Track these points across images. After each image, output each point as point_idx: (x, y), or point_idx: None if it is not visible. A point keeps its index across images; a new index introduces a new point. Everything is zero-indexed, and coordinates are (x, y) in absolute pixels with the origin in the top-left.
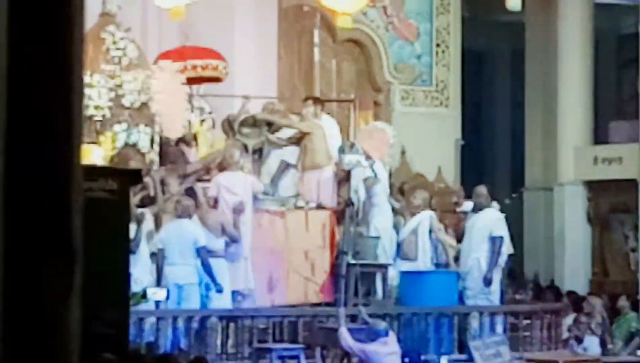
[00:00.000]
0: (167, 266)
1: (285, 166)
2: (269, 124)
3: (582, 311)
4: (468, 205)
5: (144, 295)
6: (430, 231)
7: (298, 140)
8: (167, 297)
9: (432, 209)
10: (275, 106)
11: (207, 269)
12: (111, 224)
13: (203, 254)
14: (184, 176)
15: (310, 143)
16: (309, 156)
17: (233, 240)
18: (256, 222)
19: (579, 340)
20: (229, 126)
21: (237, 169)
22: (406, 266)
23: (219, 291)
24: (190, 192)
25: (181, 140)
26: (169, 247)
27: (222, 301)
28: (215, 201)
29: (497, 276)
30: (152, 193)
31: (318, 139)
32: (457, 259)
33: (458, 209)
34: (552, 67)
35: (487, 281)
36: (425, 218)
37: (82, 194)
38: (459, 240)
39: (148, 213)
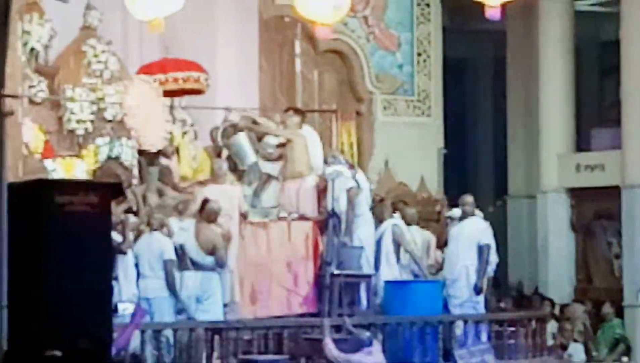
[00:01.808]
0: (140, 279)
1: (267, 178)
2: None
3: (565, 319)
4: (456, 211)
5: (114, 309)
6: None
7: (280, 156)
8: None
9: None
10: (254, 117)
11: (170, 283)
12: (92, 238)
13: (169, 267)
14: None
15: (292, 153)
16: (289, 166)
17: (220, 264)
18: (239, 234)
19: (564, 347)
20: (213, 139)
21: (224, 182)
22: None
23: (180, 309)
24: (207, 204)
25: (160, 152)
26: (140, 260)
27: (209, 314)
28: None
29: (484, 285)
30: (134, 208)
31: (299, 149)
32: (441, 267)
33: (446, 214)
34: (533, 75)
35: (478, 290)
36: (388, 227)
37: None
38: (441, 248)
39: (132, 218)
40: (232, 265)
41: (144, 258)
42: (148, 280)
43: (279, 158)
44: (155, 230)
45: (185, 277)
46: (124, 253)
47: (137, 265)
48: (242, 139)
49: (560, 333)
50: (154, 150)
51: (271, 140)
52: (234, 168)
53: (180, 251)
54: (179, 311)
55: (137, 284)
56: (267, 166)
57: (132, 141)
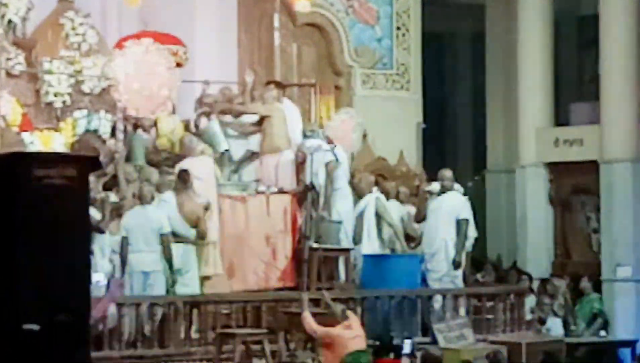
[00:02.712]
0: (132, 253)
1: (250, 155)
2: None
3: (545, 293)
4: (435, 186)
5: None
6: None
7: (258, 129)
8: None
9: (385, 193)
10: (232, 91)
11: (168, 256)
12: (70, 211)
13: (166, 241)
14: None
15: (270, 127)
16: (268, 140)
17: (201, 237)
18: (218, 208)
19: (542, 322)
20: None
21: (199, 154)
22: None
23: (174, 281)
24: (184, 174)
25: (139, 126)
26: (132, 234)
27: (188, 288)
28: None
29: (463, 259)
30: (122, 186)
31: (278, 123)
32: (419, 242)
33: (425, 189)
34: (512, 50)
35: (456, 264)
36: (370, 202)
37: None
38: (420, 222)
39: (113, 196)
40: (215, 237)
41: (138, 233)
42: (143, 255)
43: (257, 131)
44: (147, 203)
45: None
46: (102, 231)
47: (123, 238)
48: (215, 126)
49: (539, 307)
50: (152, 116)
51: (247, 118)
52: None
53: None
54: (172, 284)
55: (122, 258)
56: (249, 142)
57: (110, 115)
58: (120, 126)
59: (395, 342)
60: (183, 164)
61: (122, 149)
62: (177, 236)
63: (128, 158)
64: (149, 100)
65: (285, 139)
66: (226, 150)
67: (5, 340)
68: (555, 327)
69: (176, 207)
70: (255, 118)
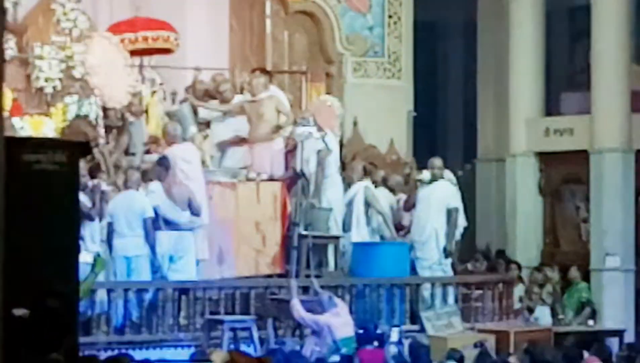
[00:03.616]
0: (116, 238)
1: (240, 140)
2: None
3: (535, 282)
4: (426, 174)
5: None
6: (367, 202)
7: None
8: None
9: (374, 181)
10: (233, 75)
11: (151, 241)
12: (60, 197)
13: (149, 225)
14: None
15: (258, 115)
16: (257, 128)
17: (196, 213)
18: (207, 194)
19: (530, 310)
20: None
21: (180, 142)
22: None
23: (157, 268)
24: (164, 161)
25: (127, 110)
26: (116, 219)
27: (182, 274)
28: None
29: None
30: (103, 167)
31: (267, 110)
32: (408, 230)
33: (416, 177)
34: (504, 39)
35: (447, 253)
36: (359, 190)
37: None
38: (409, 210)
39: (104, 185)
40: (206, 221)
41: (121, 217)
42: (126, 239)
43: (242, 113)
44: (128, 188)
45: (159, 236)
46: (92, 219)
47: (109, 224)
48: (185, 109)
49: (528, 296)
50: (119, 107)
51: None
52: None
53: (155, 212)
54: (155, 270)
55: (107, 243)
56: (237, 127)
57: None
58: (99, 113)
59: (380, 330)
60: (169, 151)
61: (103, 135)
62: (169, 224)
63: (127, 145)
64: (115, 91)
65: (275, 128)
66: (194, 133)
67: None
68: (543, 315)
69: (164, 193)
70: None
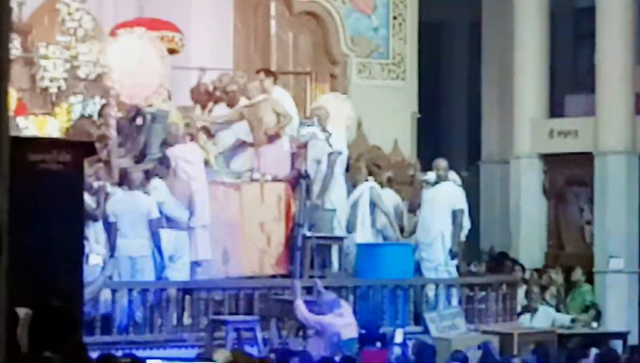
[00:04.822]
0: (120, 238)
1: (240, 143)
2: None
3: (539, 284)
4: (431, 175)
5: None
6: (372, 203)
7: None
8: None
9: (379, 182)
10: (235, 76)
11: (157, 242)
12: (64, 196)
13: (154, 226)
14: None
15: (258, 119)
16: (260, 131)
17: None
18: (211, 194)
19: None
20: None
21: (188, 141)
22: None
23: (163, 266)
24: (164, 160)
25: (137, 113)
26: (120, 219)
27: (181, 273)
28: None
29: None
30: (114, 173)
31: (265, 113)
32: (413, 230)
33: (422, 178)
34: (508, 40)
35: (453, 254)
36: (365, 190)
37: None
38: (414, 211)
39: (109, 186)
40: (207, 221)
41: (126, 218)
42: (130, 240)
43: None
44: (130, 188)
45: (161, 234)
46: (96, 219)
47: (112, 223)
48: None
49: (528, 297)
50: (143, 103)
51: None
52: None
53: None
54: (161, 269)
55: (111, 243)
56: (237, 131)
57: (105, 100)
58: (111, 113)
59: (382, 331)
60: (171, 151)
61: (114, 136)
62: (170, 221)
63: (144, 147)
64: (142, 88)
65: (276, 127)
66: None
67: None
68: (543, 315)
69: (167, 190)
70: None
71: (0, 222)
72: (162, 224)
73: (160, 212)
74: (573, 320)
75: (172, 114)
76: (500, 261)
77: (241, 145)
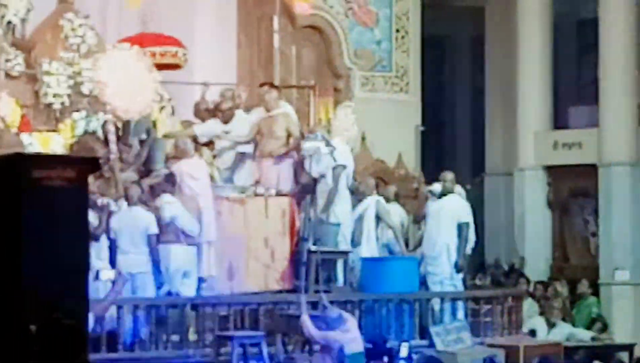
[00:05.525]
0: (119, 254)
1: (241, 157)
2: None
3: (543, 296)
4: (437, 186)
5: (96, 276)
6: (377, 217)
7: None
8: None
9: (385, 196)
10: (236, 91)
11: (155, 258)
12: (69, 213)
13: (153, 242)
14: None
15: (271, 131)
16: (267, 144)
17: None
18: (215, 210)
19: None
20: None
21: (194, 156)
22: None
23: (161, 284)
24: (169, 176)
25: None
26: (120, 235)
27: (191, 289)
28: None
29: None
30: (119, 188)
31: (280, 125)
32: (419, 244)
33: (427, 189)
34: (512, 53)
35: (459, 268)
36: (371, 204)
37: None
38: (418, 223)
39: (113, 203)
40: (213, 237)
41: (125, 234)
42: (129, 256)
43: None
44: (134, 205)
45: (174, 251)
46: (97, 238)
47: (113, 239)
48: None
49: (547, 311)
50: (137, 117)
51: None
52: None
53: (172, 224)
54: (159, 286)
55: (111, 260)
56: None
57: (109, 116)
58: (111, 129)
59: (389, 345)
60: (177, 167)
61: (115, 151)
62: (187, 236)
63: (148, 162)
64: (135, 102)
65: (283, 143)
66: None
67: (4, 341)
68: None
69: (181, 204)
70: (245, 129)
71: None
72: (177, 239)
73: (176, 226)
74: (594, 339)
75: (177, 128)
76: (505, 274)
77: (243, 159)
